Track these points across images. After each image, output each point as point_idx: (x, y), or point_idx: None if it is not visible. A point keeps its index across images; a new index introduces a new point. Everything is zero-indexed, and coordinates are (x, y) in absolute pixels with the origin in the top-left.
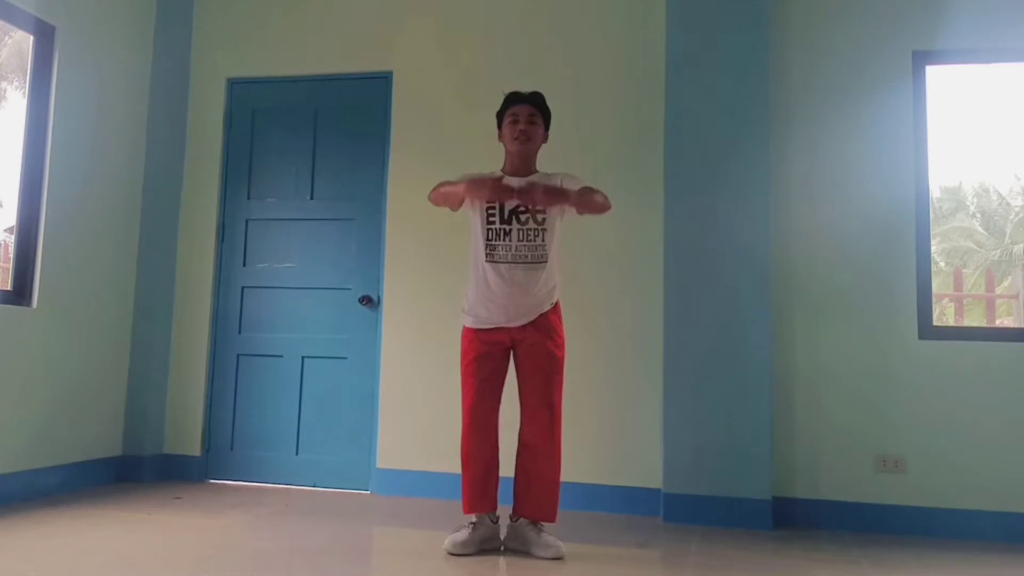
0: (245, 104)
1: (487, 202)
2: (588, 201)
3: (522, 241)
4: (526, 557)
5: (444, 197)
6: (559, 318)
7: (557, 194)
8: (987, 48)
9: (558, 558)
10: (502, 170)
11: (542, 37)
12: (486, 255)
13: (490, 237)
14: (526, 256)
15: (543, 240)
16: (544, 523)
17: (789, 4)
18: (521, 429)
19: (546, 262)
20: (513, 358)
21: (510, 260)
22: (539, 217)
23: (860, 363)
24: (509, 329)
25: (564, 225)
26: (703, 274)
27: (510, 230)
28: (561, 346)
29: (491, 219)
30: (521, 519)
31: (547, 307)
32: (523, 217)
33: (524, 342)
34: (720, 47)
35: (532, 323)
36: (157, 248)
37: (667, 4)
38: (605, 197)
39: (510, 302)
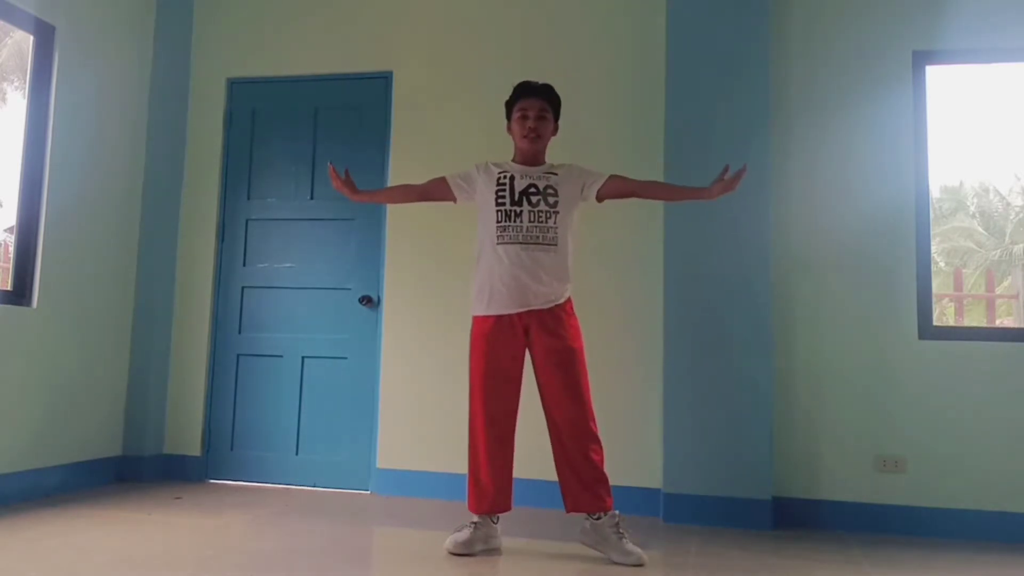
0: (245, 104)
1: (497, 184)
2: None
3: (533, 223)
4: (527, 557)
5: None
6: (571, 314)
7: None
8: (987, 48)
9: (639, 565)
10: (512, 160)
11: (542, 37)
12: (497, 238)
13: (500, 219)
14: (537, 237)
15: (555, 222)
16: (615, 514)
17: (789, 4)
18: (553, 425)
19: (557, 245)
20: (530, 358)
21: (521, 241)
22: (551, 200)
23: (860, 363)
24: (521, 318)
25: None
26: (703, 274)
27: (521, 211)
28: (577, 338)
29: (500, 200)
30: (603, 518)
31: (560, 299)
32: (534, 199)
33: (538, 342)
34: (720, 47)
35: (544, 315)
36: (157, 248)
37: (668, 6)
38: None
39: (520, 286)
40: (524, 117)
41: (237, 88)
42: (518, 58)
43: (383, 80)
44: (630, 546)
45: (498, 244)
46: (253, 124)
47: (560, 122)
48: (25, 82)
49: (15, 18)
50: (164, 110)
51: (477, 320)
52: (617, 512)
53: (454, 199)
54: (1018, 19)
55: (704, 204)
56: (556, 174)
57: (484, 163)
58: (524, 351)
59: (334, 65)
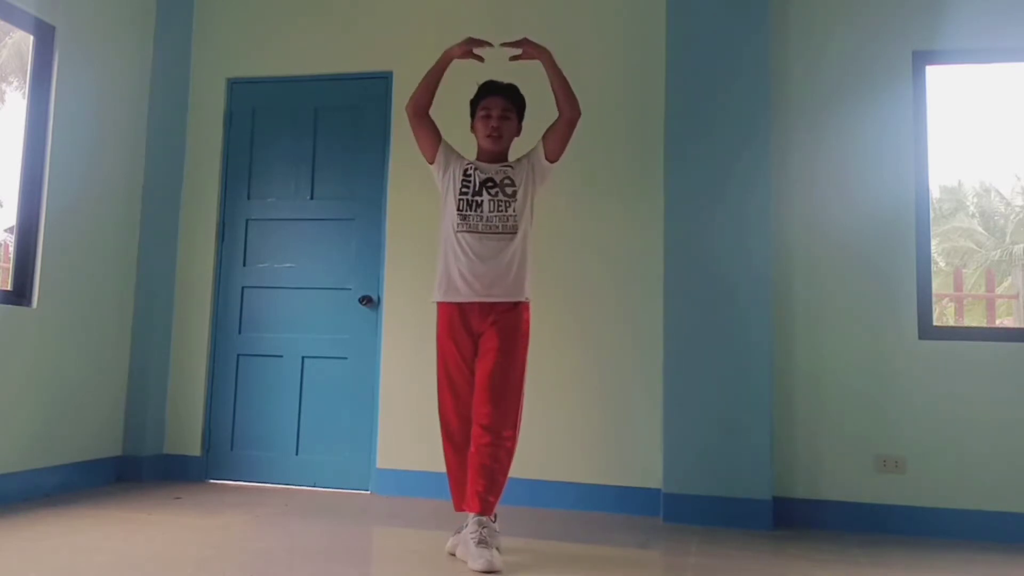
0: (245, 104)
1: (464, 174)
2: (562, 78)
3: (493, 212)
4: (527, 557)
5: (426, 90)
6: (525, 319)
7: (540, 48)
8: (987, 48)
9: (488, 572)
10: (475, 159)
11: (542, 38)
12: (457, 226)
13: (461, 207)
14: (497, 226)
15: (514, 210)
16: (485, 519)
17: (789, 4)
18: (474, 417)
19: (516, 233)
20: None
21: (481, 230)
22: (508, 189)
23: (860, 363)
24: (477, 307)
25: (562, 224)
26: (703, 274)
27: (481, 201)
28: (523, 341)
29: (464, 190)
30: (470, 523)
31: (519, 296)
32: (493, 190)
33: (486, 330)
34: (720, 47)
35: (500, 312)
36: (157, 248)
37: (667, 5)
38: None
39: (480, 274)
40: (487, 116)
41: (237, 88)
42: None
43: (383, 80)
44: (482, 550)
45: (458, 232)
46: (253, 124)
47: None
48: (25, 82)
49: (15, 18)
50: (164, 110)
51: (441, 307)
52: (484, 518)
53: (431, 160)
54: (1018, 19)
55: (704, 204)
56: (511, 167)
57: (460, 155)
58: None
59: (334, 65)
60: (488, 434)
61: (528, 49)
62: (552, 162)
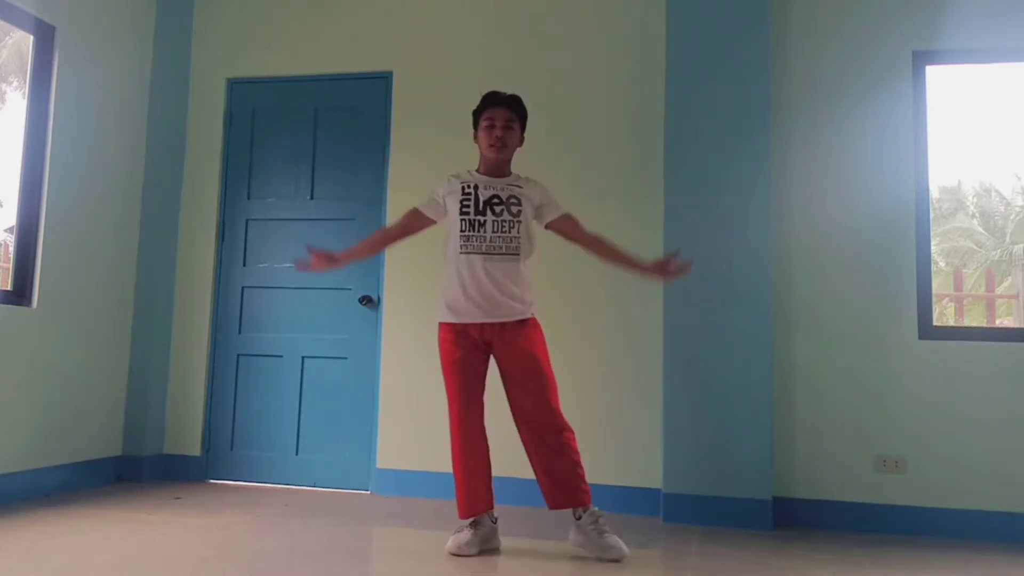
0: (245, 104)
1: (462, 193)
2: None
3: (496, 232)
4: (527, 557)
5: (367, 253)
6: (538, 329)
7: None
8: (987, 48)
9: (617, 560)
10: (476, 170)
11: (543, 37)
12: (460, 247)
13: (464, 228)
14: (500, 248)
15: (517, 232)
16: (595, 509)
17: (789, 4)
18: (524, 423)
19: (519, 255)
20: (497, 366)
21: (484, 251)
22: (514, 209)
23: (860, 363)
24: (484, 327)
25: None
26: (703, 274)
27: (484, 221)
28: (540, 344)
29: (465, 210)
30: (583, 516)
31: (526, 314)
32: (498, 208)
33: (501, 348)
34: (721, 47)
35: (508, 326)
36: (157, 248)
37: (668, 5)
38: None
39: (484, 296)
40: (491, 126)
41: (237, 88)
42: (518, 58)
43: (383, 80)
44: (610, 540)
45: (461, 254)
46: (253, 124)
47: (561, 122)
48: (25, 82)
49: (15, 18)
50: (164, 110)
51: (444, 327)
52: (596, 508)
53: (434, 221)
54: (1018, 19)
55: (704, 204)
56: (520, 187)
57: (445, 179)
58: (488, 357)
59: (334, 65)
60: (551, 432)
61: (676, 274)
62: (546, 229)
